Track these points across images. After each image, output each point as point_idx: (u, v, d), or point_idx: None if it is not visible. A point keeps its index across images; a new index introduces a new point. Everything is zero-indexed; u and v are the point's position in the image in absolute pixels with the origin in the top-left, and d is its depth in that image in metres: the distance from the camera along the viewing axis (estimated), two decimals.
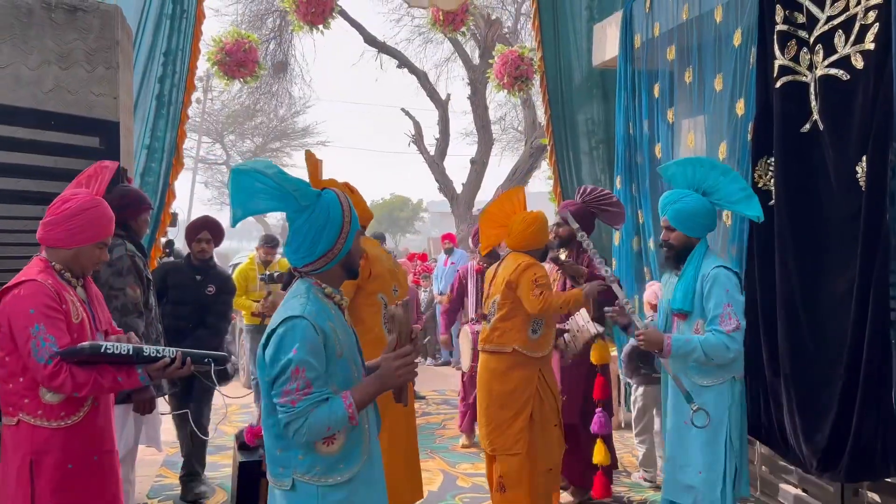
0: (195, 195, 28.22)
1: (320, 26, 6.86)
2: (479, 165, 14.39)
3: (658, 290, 6.36)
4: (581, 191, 4.81)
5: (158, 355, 2.44)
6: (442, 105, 14.73)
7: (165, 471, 5.40)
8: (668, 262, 3.51)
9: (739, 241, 4.39)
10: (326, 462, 2.11)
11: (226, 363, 2.55)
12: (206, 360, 2.50)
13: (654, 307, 6.03)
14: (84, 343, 2.40)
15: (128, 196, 3.77)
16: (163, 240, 7.45)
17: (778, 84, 3.88)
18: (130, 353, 2.41)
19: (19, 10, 4.07)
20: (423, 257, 10.89)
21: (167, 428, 6.06)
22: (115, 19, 4.33)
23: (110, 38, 4.30)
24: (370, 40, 14.07)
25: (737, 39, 4.35)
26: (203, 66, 6.78)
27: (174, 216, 8.11)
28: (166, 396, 4.36)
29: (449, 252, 10.07)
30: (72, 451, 2.48)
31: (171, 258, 6.82)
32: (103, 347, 2.38)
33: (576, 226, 4.02)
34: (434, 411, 7.50)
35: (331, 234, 2.16)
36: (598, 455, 4.68)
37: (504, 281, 4.06)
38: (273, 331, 2.09)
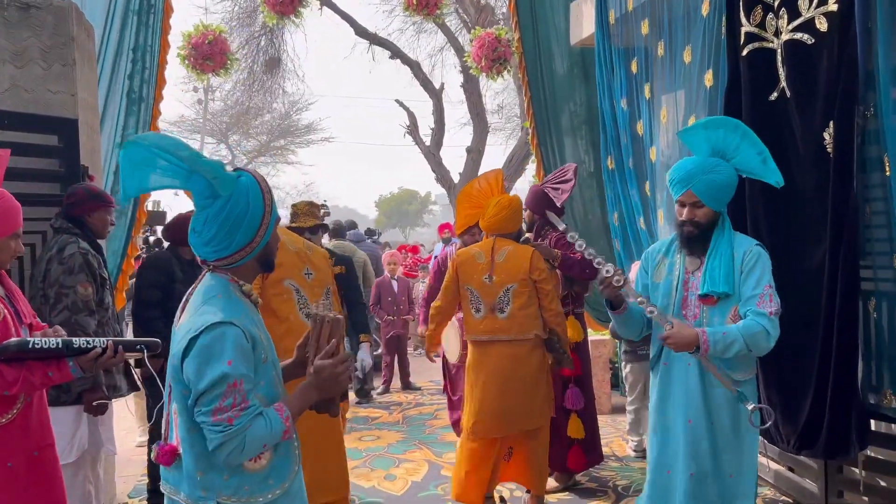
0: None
1: (292, 16, 6.76)
2: (475, 154, 14.28)
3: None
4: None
5: (89, 346, 2.37)
6: (436, 95, 14.62)
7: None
8: (693, 243, 2.92)
9: None
10: (254, 479, 1.92)
11: (157, 349, 2.45)
12: (137, 346, 2.42)
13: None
14: (10, 340, 2.34)
15: (75, 194, 3.71)
16: (151, 238, 7.43)
17: (745, 52, 3.76)
18: (59, 346, 2.34)
19: None
20: (414, 249, 10.80)
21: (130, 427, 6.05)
22: (70, 15, 4.27)
23: (65, 34, 4.24)
24: (361, 32, 13.97)
25: (705, 9, 4.23)
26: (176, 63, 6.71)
27: (162, 214, 8.07)
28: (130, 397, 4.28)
29: (447, 242, 9.98)
30: (9, 449, 2.44)
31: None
32: (31, 343, 2.32)
33: (562, 227, 4.02)
34: (428, 402, 7.44)
35: (250, 225, 1.93)
36: (572, 429, 4.72)
37: (521, 271, 4.03)
38: (194, 338, 1.82)
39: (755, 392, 2.95)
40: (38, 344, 2.32)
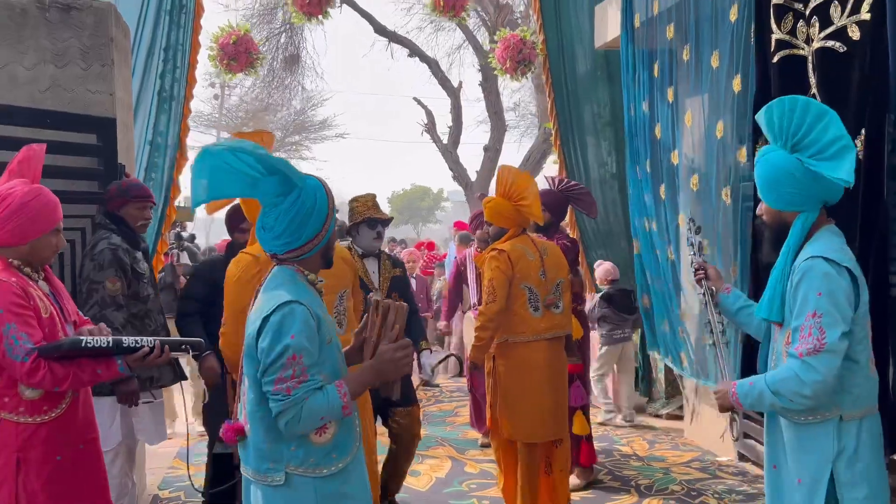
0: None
1: (319, 17, 6.84)
2: (492, 152, 14.32)
3: (611, 269, 6.38)
4: (552, 181, 5.00)
5: (137, 346, 2.46)
6: (454, 93, 14.66)
7: (178, 462, 5.47)
8: (766, 245, 2.62)
9: (743, 221, 4.31)
10: (320, 452, 2.07)
11: (201, 349, 2.58)
12: (182, 346, 2.54)
13: (609, 283, 6.39)
14: (64, 339, 2.43)
15: (109, 190, 3.82)
16: (183, 234, 7.52)
17: (775, 59, 3.79)
18: (110, 345, 2.43)
19: (13, 10, 4.11)
20: (431, 246, 10.86)
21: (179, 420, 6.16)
22: (109, 16, 4.36)
23: (105, 35, 4.33)
24: (380, 30, 14.02)
25: (733, 14, 4.26)
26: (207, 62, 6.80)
27: (189, 211, 8.16)
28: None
29: (465, 240, 10.02)
30: (58, 444, 2.51)
31: (184, 252, 6.87)
32: (83, 342, 2.40)
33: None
34: (447, 399, 7.52)
35: (318, 218, 2.11)
36: (577, 426, 4.79)
37: (565, 265, 4.16)
38: (267, 317, 2.01)
39: (818, 443, 2.36)
40: (90, 343, 2.41)
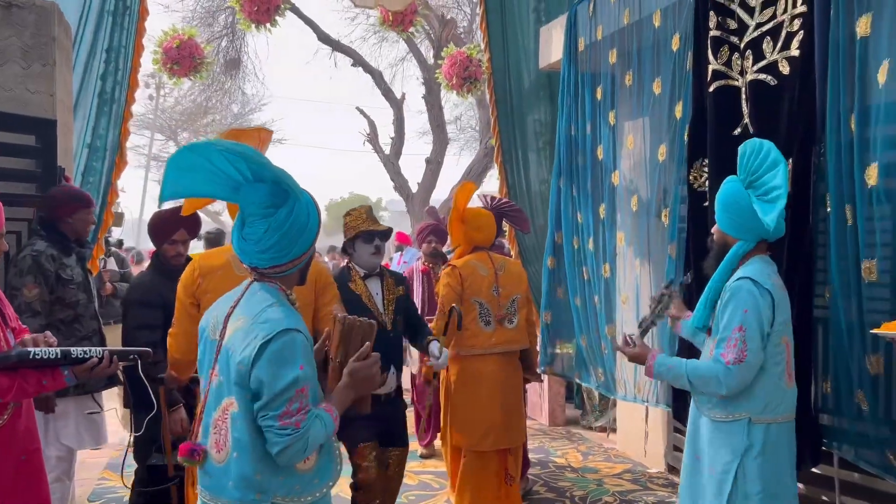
0: (147, 193, 27.67)
1: (267, 24, 6.80)
2: (434, 165, 14.41)
3: None
4: (486, 199, 5.27)
5: (86, 356, 2.42)
6: (397, 104, 14.71)
7: (108, 473, 5.33)
8: (708, 263, 2.98)
9: (679, 241, 4.49)
10: (304, 479, 2.02)
11: (149, 358, 2.53)
12: (131, 356, 2.50)
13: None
14: (11, 351, 2.38)
15: (55, 196, 3.78)
16: (111, 239, 7.32)
17: (711, 88, 3.98)
18: (58, 356, 2.39)
19: None
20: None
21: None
22: (52, 15, 4.27)
23: (47, 34, 4.24)
24: (324, 38, 13.98)
25: (675, 44, 4.45)
26: (150, 65, 6.68)
27: (120, 216, 7.96)
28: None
29: (400, 250, 10.08)
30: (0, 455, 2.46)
31: (111, 258, 6.69)
32: (31, 354, 2.36)
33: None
34: None
35: (309, 236, 2.01)
36: None
37: (523, 282, 4.30)
38: (265, 344, 1.89)
39: (729, 439, 2.75)
40: (38, 355, 2.36)
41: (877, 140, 3.18)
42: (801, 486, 4.08)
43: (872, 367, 3.20)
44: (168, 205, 3.31)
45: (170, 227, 3.71)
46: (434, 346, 3.76)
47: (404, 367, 5.54)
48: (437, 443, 5.50)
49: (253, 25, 6.77)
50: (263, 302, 1.99)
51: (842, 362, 3.36)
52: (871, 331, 2.86)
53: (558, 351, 5.73)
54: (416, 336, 3.92)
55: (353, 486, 3.66)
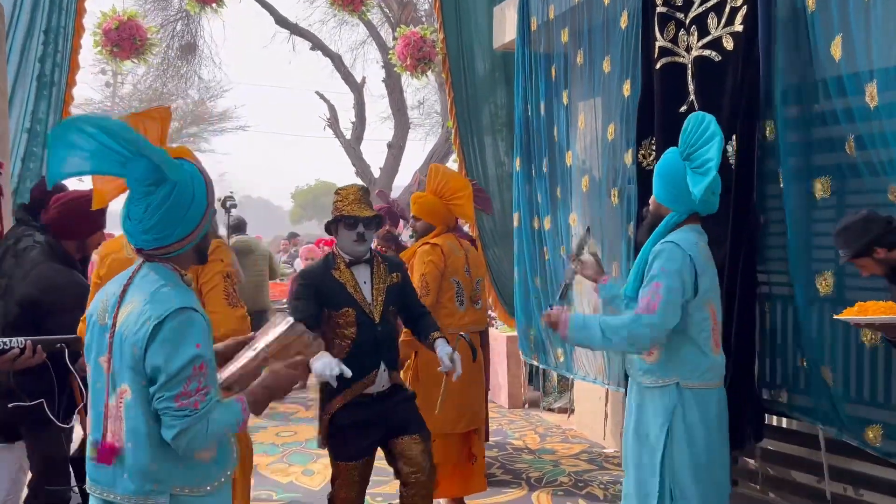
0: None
1: (214, 5, 6.63)
2: (396, 149, 14.34)
3: None
4: None
5: (6, 347, 2.32)
6: (357, 88, 14.58)
7: None
8: (639, 234, 3.09)
9: (636, 221, 4.48)
10: (203, 468, 1.93)
11: (79, 346, 2.40)
12: (58, 344, 2.39)
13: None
14: None
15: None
16: None
17: (658, 65, 3.96)
18: None
19: None
20: (330, 243, 10.71)
21: None
22: None
23: None
24: (281, 21, 13.78)
25: (623, 21, 4.42)
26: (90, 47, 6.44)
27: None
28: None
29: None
30: None
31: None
32: None
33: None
34: None
35: (195, 213, 1.91)
36: None
37: (483, 265, 4.37)
38: (158, 324, 1.81)
39: (658, 404, 2.81)
40: None
41: (837, 113, 3.14)
42: (749, 460, 4.12)
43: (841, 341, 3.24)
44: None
45: (97, 223, 3.32)
46: (443, 351, 3.25)
47: None
48: None
49: (199, 7, 6.59)
50: (156, 283, 1.91)
51: (806, 337, 3.38)
52: (834, 317, 2.84)
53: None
54: (418, 329, 3.46)
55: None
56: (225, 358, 2.15)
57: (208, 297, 2.86)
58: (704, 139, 2.75)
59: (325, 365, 2.81)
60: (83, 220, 3.18)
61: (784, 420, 4.03)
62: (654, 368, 2.84)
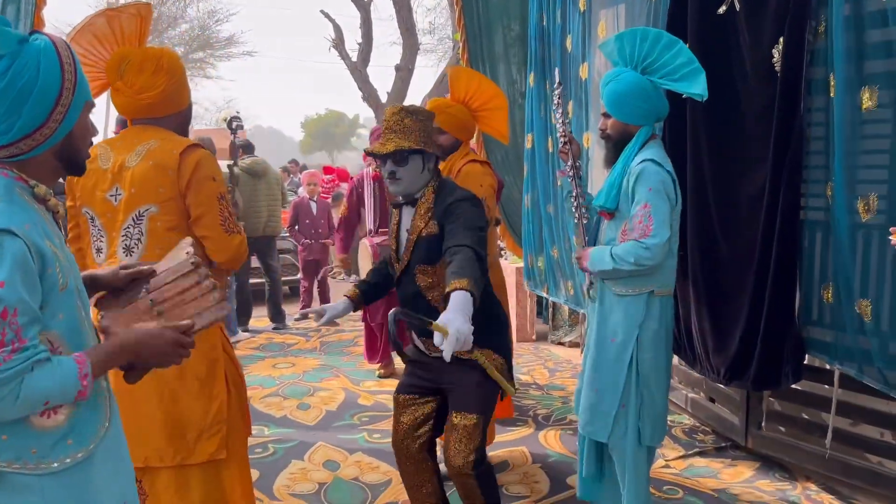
0: (111, 112, 26.54)
1: None
2: (404, 72, 13.74)
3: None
4: None
5: None
6: (364, 7, 13.89)
7: None
8: (606, 156, 2.97)
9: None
10: (46, 440, 1.47)
11: None
12: None
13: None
14: None
15: None
16: None
17: None
18: None
19: None
20: (327, 170, 10.29)
21: None
22: None
23: None
24: None
25: None
26: None
27: None
28: None
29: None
30: None
31: None
32: None
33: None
34: (348, 328, 7.19)
35: (41, 101, 1.48)
36: None
37: None
38: None
39: (630, 310, 2.86)
40: None
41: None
42: (773, 400, 3.81)
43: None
44: None
45: None
46: (438, 340, 2.06)
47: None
48: (398, 359, 5.20)
49: None
50: None
51: (841, 269, 2.98)
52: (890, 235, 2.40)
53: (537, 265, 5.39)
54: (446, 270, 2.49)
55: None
56: (113, 289, 1.75)
57: (201, 222, 2.48)
58: (662, 48, 2.78)
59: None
60: None
61: (816, 360, 3.68)
62: (631, 278, 2.84)
